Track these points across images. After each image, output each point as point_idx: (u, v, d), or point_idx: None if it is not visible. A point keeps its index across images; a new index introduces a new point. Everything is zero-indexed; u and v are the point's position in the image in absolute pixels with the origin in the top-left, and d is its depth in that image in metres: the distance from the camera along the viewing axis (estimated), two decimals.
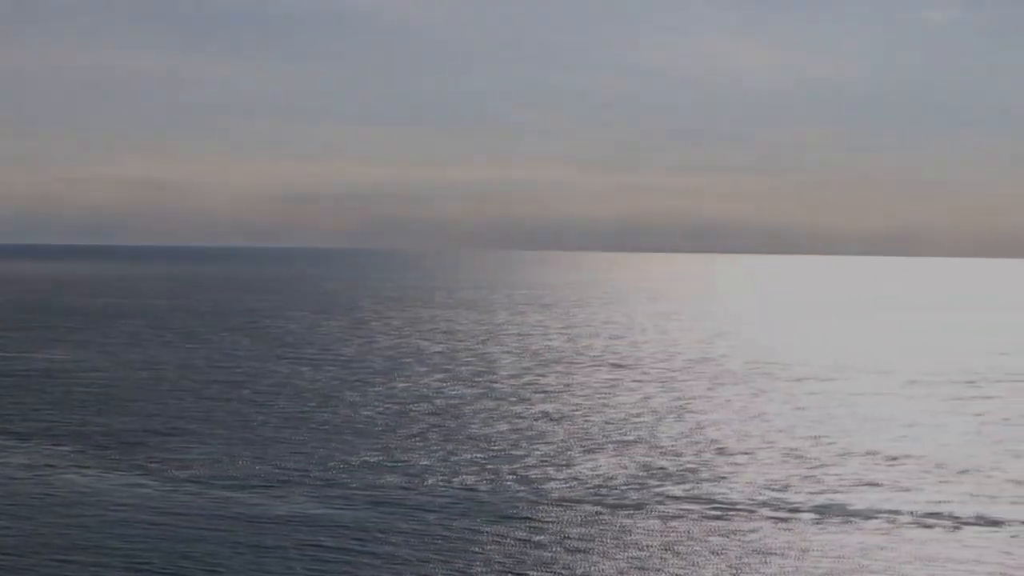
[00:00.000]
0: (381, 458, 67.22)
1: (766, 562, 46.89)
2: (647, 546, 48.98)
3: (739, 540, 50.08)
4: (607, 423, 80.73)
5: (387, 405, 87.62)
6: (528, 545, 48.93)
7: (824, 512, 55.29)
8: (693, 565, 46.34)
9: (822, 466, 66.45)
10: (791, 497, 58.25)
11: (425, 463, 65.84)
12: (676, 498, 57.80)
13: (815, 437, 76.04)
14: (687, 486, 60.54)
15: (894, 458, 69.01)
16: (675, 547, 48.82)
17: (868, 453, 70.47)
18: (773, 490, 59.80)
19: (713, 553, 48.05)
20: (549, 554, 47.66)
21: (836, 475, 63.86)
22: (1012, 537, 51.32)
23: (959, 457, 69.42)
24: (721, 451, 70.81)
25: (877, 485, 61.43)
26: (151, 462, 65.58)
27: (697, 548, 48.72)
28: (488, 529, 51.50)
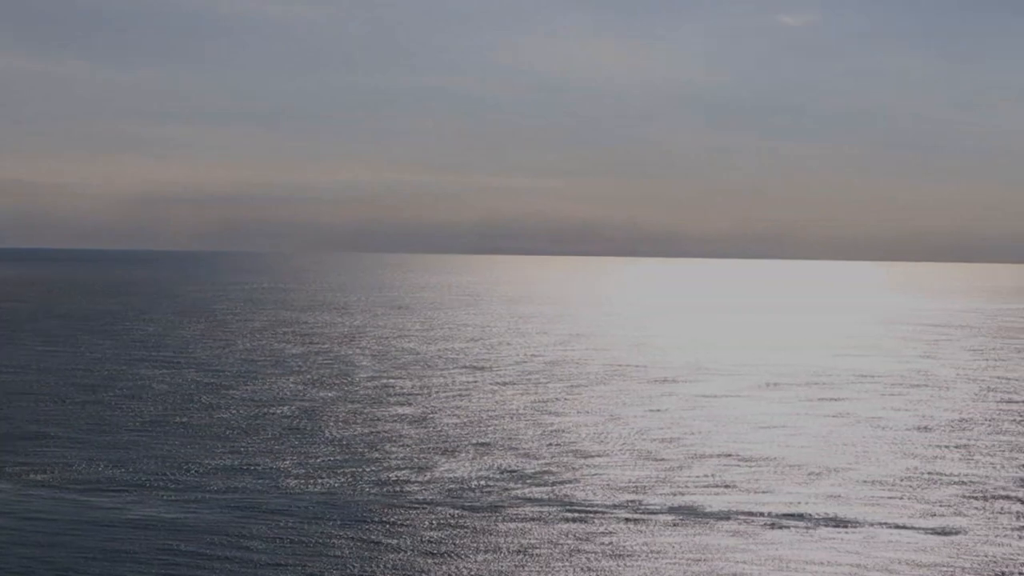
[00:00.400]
0: (238, 461, 66.72)
1: (622, 563, 47.17)
2: (503, 548, 49.07)
3: (596, 542, 50.34)
4: (464, 425, 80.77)
5: (244, 408, 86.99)
6: (383, 548, 48.84)
7: (680, 513, 55.76)
8: (548, 567, 46.48)
9: (678, 468, 66.99)
10: (647, 499, 58.65)
11: (282, 466, 65.47)
12: (533, 500, 57.97)
13: (671, 439, 76.62)
14: (544, 488, 60.74)
15: (749, 460, 69.77)
16: (531, 549, 48.96)
17: (723, 455, 71.16)
18: (629, 492, 60.18)
19: (569, 554, 48.24)
20: (404, 557, 47.60)
21: (692, 477, 64.43)
22: (866, 538, 52.07)
23: (812, 459, 70.31)
24: (578, 453, 71.11)
25: (732, 486, 62.07)
26: (6, 467, 64.53)
27: (553, 550, 48.88)
28: (344, 532, 51.33)
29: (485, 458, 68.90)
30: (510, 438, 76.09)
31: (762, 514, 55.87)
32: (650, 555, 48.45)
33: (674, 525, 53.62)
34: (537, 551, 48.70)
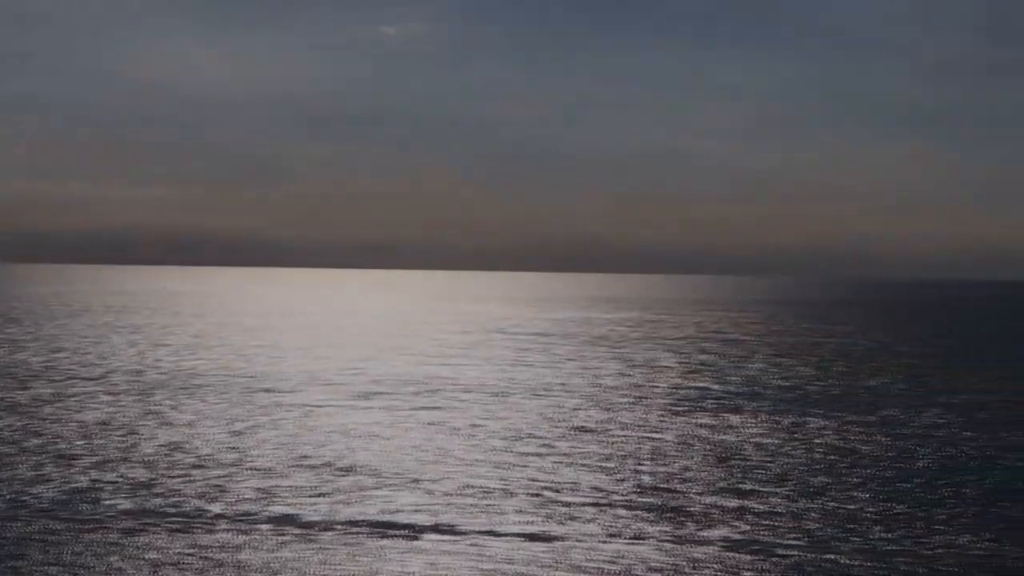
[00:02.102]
0: None
1: (228, 573, 46.24)
2: (99, 565, 47.52)
3: (198, 555, 49.25)
4: (69, 438, 78.24)
5: None
6: None
7: (282, 523, 55.14)
8: None
9: (278, 476, 66.38)
10: (250, 508, 57.83)
11: None
12: (134, 512, 56.43)
13: (272, 448, 75.96)
14: (147, 500, 59.25)
15: (349, 468, 69.62)
16: (133, 562, 47.57)
17: (324, 464, 70.84)
18: (228, 502, 59.23)
19: (162, 567, 47.06)
20: None
21: (291, 486, 63.87)
22: (470, 545, 52.48)
23: (412, 467, 70.65)
24: (178, 464, 69.75)
25: (333, 495, 61.78)
26: None
27: (146, 564, 47.60)
28: None
29: (91, 470, 66.79)
30: (116, 449, 74.02)
31: (365, 523, 55.74)
32: (257, 565, 47.66)
33: (277, 534, 52.95)
34: (134, 564, 47.30)
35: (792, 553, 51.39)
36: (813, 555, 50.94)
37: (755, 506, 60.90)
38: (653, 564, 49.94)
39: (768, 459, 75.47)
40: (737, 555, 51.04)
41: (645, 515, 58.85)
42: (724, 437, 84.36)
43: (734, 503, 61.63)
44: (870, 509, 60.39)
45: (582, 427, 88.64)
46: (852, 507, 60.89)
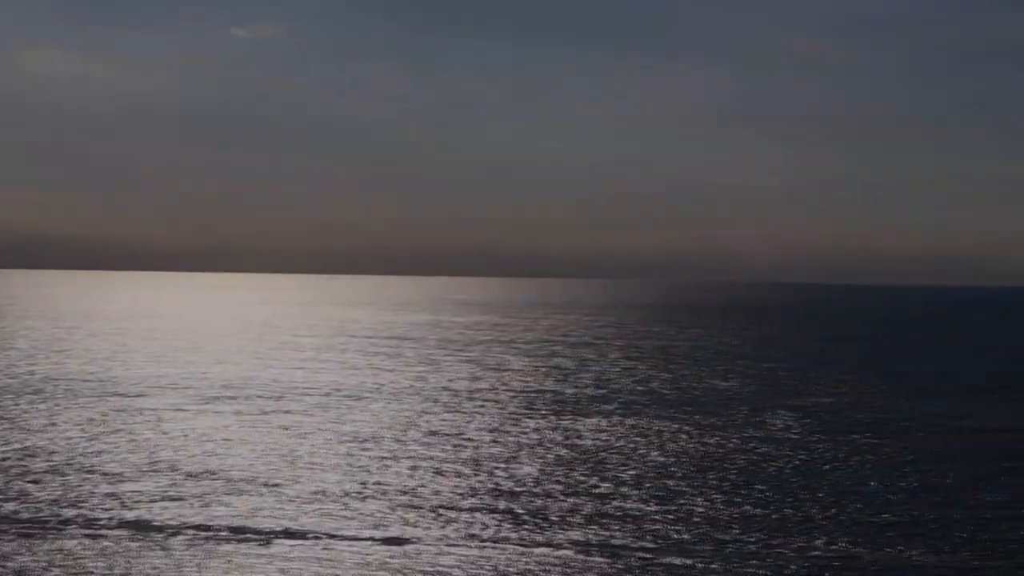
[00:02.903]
0: None
1: None
2: None
3: (49, 562, 48.23)
4: None
5: None
6: None
7: (134, 528, 54.21)
8: None
9: (130, 481, 65.30)
10: (95, 514, 56.77)
11: None
12: None
13: (125, 453, 74.76)
14: None
15: (201, 473, 68.70)
16: None
17: (175, 469, 69.83)
18: (80, 508, 58.14)
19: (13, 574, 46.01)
20: None
21: (143, 491, 62.85)
22: (323, 549, 52.00)
23: (263, 471, 69.88)
24: (30, 470, 68.41)
25: (185, 500, 60.88)
26: None
27: None
28: None
29: None
30: None
31: (216, 528, 54.97)
32: (104, 572, 46.74)
33: (130, 539, 52.05)
34: None
35: (647, 556, 51.51)
36: (669, 558, 51.10)
37: (610, 509, 61.01)
38: (507, 568, 49.76)
39: (622, 462, 75.70)
40: (592, 558, 51.06)
41: (499, 518, 58.68)
42: (577, 440, 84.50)
43: (589, 506, 61.69)
44: (725, 511, 60.77)
45: (433, 431, 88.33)
46: (708, 509, 61.23)
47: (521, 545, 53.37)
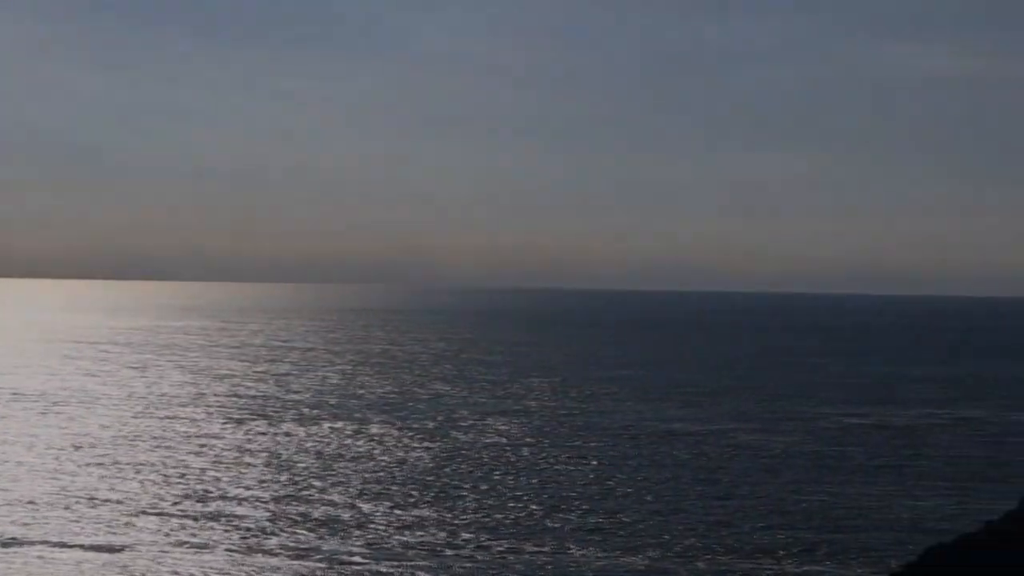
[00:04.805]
0: None
1: None
2: None
3: None
4: None
5: None
6: None
7: None
8: None
9: None
10: None
11: None
12: None
13: None
14: None
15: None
16: None
17: None
18: None
19: None
20: None
21: None
22: (37, 557, 51.84)
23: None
24: None
25: None
26: None
27: None
28: None
29: None
30: None
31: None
32: None
33: None
34: None
35: (363, 562, 52.24)
36: (386, 565, 51.94)
37: (316, 513, 61.54)
38: (217, 573, 50.00)
39: (328, 466, 76.04)
40: (301, 563, 51.66)
41: (208, 524, 58.79)
42: (285, 445, 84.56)
43: (296, 510, 62.13)
44: (433, 514, 61.77)
45: (142, 436, 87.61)
46: (413, 511, 62.20)
47: (231, 551, 53.65)
